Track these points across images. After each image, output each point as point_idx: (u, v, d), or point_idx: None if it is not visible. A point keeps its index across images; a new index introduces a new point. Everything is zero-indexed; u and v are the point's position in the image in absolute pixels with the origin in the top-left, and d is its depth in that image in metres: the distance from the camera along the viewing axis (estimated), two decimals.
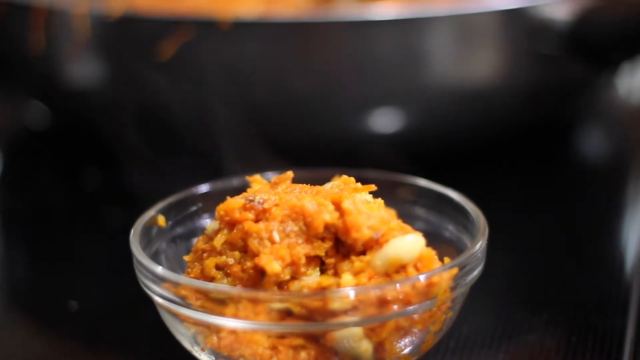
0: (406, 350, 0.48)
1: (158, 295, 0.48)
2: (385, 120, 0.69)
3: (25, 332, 0.58)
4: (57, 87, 0.72)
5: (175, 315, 0.48)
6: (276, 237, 0.47)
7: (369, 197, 0.50)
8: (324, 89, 0.68)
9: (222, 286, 0.47)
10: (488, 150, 0.74)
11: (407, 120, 0.69)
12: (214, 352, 0.48)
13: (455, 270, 0.47)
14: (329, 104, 0.68)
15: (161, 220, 0.54)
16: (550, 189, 0.74)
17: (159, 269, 0.48)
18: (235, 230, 0.48)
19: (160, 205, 0.54)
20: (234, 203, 0.48)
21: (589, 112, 0.87)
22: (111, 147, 0.70)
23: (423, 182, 0.56)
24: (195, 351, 0.49)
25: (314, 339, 0.46)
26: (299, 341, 0.46)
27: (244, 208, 0.48)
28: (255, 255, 0.47)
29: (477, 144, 0.74)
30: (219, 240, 0.48)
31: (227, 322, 0.46)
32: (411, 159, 0.64)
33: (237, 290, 0.46)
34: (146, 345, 0.55)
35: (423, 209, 0.56)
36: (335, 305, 0.45)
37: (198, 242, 0.50)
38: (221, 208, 0.49)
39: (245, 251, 0.48)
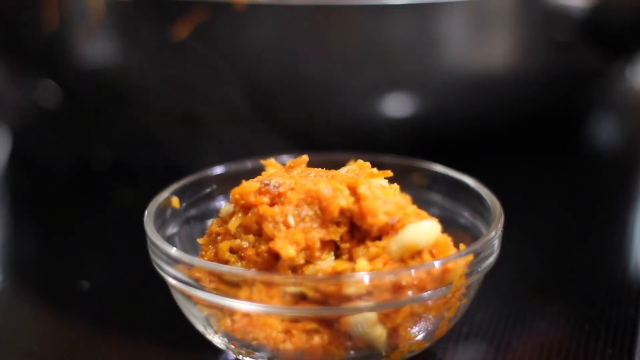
0: (420, 336, 0.48)
1: (172, 276, 0.48)
2: (398, 105, 0.69)
3: (36, 311, 0.58)
4: (69, 66, 0.71)
5: (189, 297, 0.48)
6: (291, 221, 0.47)
7: (385, 182, 0.50)
8: (338, 73, 0.67)
9: (236, 269, 0.47)
10: (500, 137, 0.74)
11: (420, 106, 0.69)
12: (227, 334, 0.47)
13: (470, 257, 0.47)
14: (343, 88, 0.68)
15: (175, 201, 0.54)
16: (562, 177, 0.74)
17: (173, 251, 0.47)
18: (250, 214, 0.48)
19: (175, 186, 0.54)
20: (249, 187, 0.48)
21: (602, 101, 0.86)
22: (122, 127, 0.70)
23: (439, 168, 0.56)
24: (208, 334, 0.49)
25: (328, 324, 0.46)
26: (312, 325, 0.46)
27: (259, 192, 0.48)
28: (270, 239, 0.47)
29: (489, 130, 0.74)
30: (233, 224, 0.48)
31: (241, 305, 0.46)
32: (423, 144, 0.64)
33: (251, 273, 0.46)
34: (157, 325, 0.55)
35: (438, 195, 0.56)
36: (349, 290, 0.44)
37: (212, 225, 0.50)
38: (236, 192, 0.48)
39: (260, 235, 0.48)
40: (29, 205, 0.73)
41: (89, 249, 0.65)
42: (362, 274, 0.45)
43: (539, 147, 0.77)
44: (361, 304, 0.45)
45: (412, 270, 0.45)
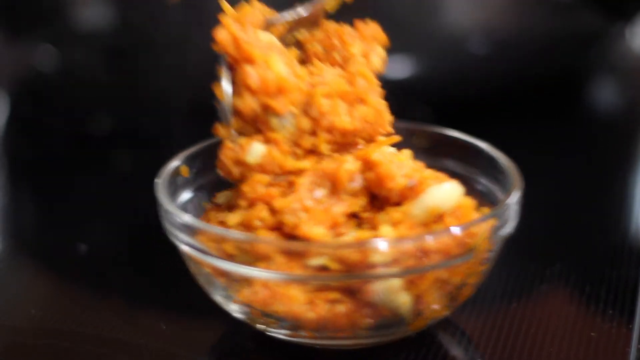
0: (443, 303, 0.47)
1: (188, 245, 0.46)
2: (395, 68, 0.68)
3: (34, 275, 0.57)
4: (67, 30, 0.70)
5: (206, 266, 0.47)
6: (309, 204, 0.46)
7: (393, 150, 0.49)
8: None
9: (258, 237, 0.45)
10: (500, 101, 0.73)
11: (416, 69, 0.69)
12: (247, 305, 0.46)
13: (494, 221, 0.46)
14: None
15: (184, 170, 0.52)
16: (563, 141, 0.74)
17: (187, 218, 0.46)
18: (261, 208, 0.47)
19: (184, 154, 0.52)
20: (259, 179, 0.47)
21: (601, 63, 0.86)
22: (121, 91, 0.69)
23: (452, 133, 0.55)
24: (226, 304, 0.48)
25: (351, 293, 0.45)
26: (335, 295, 0.45)
27: (270, 185, 0.47)
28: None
29: (488, 95, 0.73)
30: (246, 217, 0.47)
31: (262, 274, 0.44)
32: (421, 109, 0.63)
33: (273, 242, 0.45)
34: (155, 288, 0.55)
35: (452, 160, 0.55)
36: (374, 257, 0.44)
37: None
38: (246, 190, 0.47)
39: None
40: (27, 170, 0.72)
41: (87, 213, 0.64)
42: (388, 239, 0.44)
43: (538, 110, 0.77)
44: (386, 270, 0.44)
45: (438, 235, 0.44)
